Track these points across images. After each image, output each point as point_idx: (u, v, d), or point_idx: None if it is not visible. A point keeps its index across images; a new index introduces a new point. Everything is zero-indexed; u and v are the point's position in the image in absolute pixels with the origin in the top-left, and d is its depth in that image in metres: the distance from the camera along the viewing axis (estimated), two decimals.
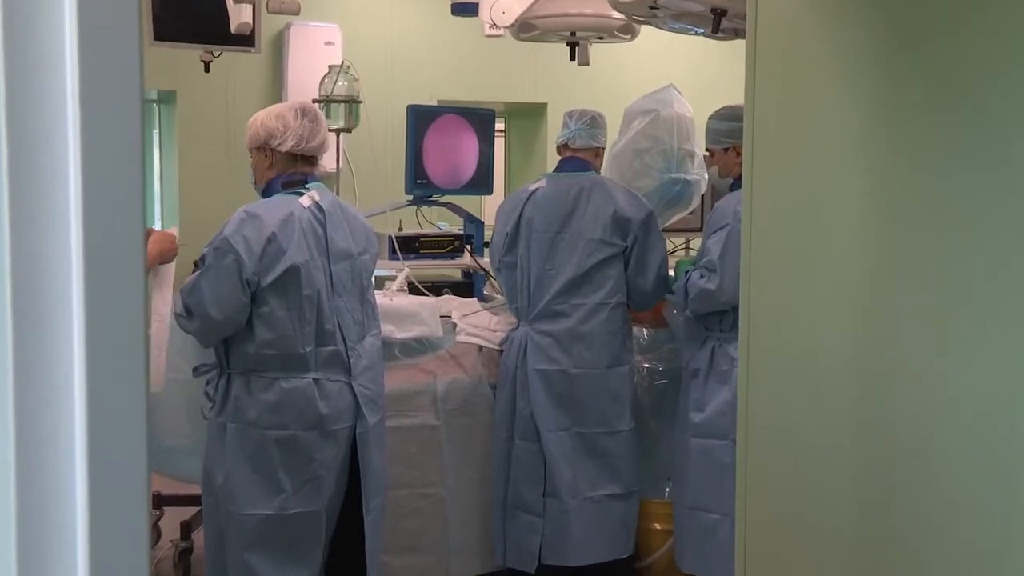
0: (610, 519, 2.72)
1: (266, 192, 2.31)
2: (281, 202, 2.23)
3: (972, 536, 1.23)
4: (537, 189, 2.77)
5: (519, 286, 2.75)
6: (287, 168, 2.29)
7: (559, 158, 2.86)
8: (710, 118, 2.75)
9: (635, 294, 2.75)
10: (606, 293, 2.71)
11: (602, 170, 2.96)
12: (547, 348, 2.69)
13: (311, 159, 2.32)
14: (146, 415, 0.52)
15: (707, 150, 2.79)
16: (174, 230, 2.44)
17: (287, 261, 2.16)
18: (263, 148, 2.29)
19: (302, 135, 2.27)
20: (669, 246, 2.99)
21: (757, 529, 1.57)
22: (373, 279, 2.51)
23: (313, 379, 2.21)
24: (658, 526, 2.89)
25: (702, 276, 2.57)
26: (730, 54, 4.22)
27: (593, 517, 2.70)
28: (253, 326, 2.18)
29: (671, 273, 2.80)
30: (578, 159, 2.81)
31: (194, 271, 2.23)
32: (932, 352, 1.28)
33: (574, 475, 2.68)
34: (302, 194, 2.26)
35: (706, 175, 3.00)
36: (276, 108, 2.33)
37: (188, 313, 2.18)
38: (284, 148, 2.27)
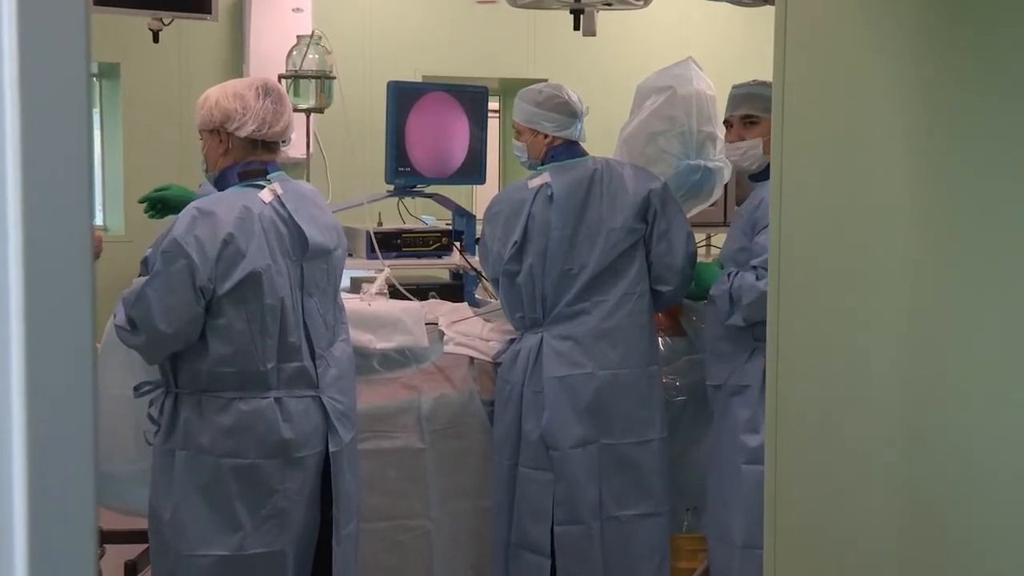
0: (638, 543, 2.72)
1: (220, 182, 2.30)
2: (238, 196, 2.21)
3: None
4: (543, 185, 2.75)
5: (528, 295, 2.73)
6: (245, 156, 2.27)
7: (549, 148, 2.78)
8: (758, 83, 2.66)
9: (665, 275, 2.74)
10: (629, 283, 2.72)
11: (613, 155, 2.97)
12: (567, 353, 2.69)
13: (272, 145, 2.31)
14: (94, 439, 0.53)
15: (747, 118, 2.66)
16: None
17: (247, 266, 2.15)
18: (217, 131, 2.26)
19: (264, 118, 2.25)
20: None
21: (788, 545, 1.58)
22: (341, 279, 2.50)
23: (275, 398, 2.21)
24: (683, 564, 2.89)
25: (759, 278, 2.50)
26: (759, 21, 4.23)
27: (619, 541, 2.70)
28: (207, 340, 2.16)
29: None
30: (573, 145, 2.81)
31: (141, 273, 2.22)
32: (988, 361, 1.29)
33: (599, 494, 2.68)
34: (262, 187, 2.25)
35: (729, 161, 3.00)
36: (234, 85, 2.30)
37: (132, 326, 2.16)
38: (243, 133, 2.24)
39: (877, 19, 1.45)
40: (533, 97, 2.81)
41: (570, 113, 2.79)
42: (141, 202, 2.63)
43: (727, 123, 2.75)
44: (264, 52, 4.54)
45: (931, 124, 1.37)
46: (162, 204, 2.61)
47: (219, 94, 2.28)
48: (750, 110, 2.67)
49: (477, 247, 3.10)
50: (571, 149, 2.81)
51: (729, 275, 2.61)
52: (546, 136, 2.79)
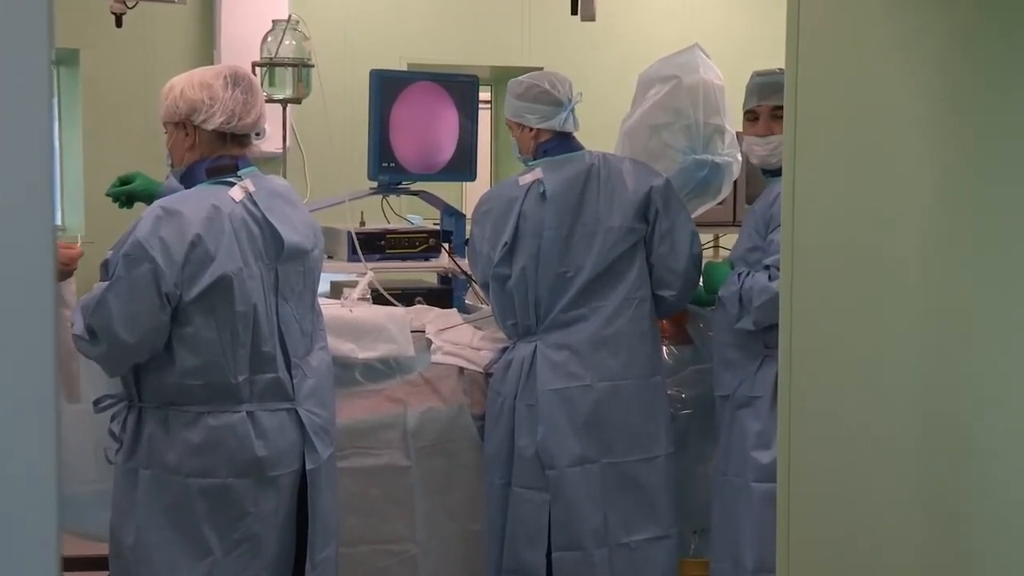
0: (647, 570, 2.72)
1: (186, 179, 2.29)
2: (206, 194, 2.21)
3: None
4: (535, 181, 2.76)
5: (521, 301, 2.74)
6: (213, 150, 2.27)
7: (538, 142, 2.78)
8: (784, 71, 2.64)
9: (668, 278, 2.75)
10: (629, 287, 2.73)
11: (614, 149, 2.97)
12: (564, 363, 2.69)
13: (243, 139, 2.31)
14: (56, 458, 0.52)
15: (778, 108, 2.63)
16: (76, 245, 2.42)
17: (217, 270, 2.14)
18: (183, 124, 2.27)
19: (233, 110, 2.25)
20: None
21: (802, 563, 1.59)
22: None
23: (247, 412, 2.21)
24: None
25: (772, 278, 2.50)
26: (769, 4, 4.25)
27: (630, 570, 2.70)
28: (173, 350, 2.16)
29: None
30: (565, 138, 2.81)
31: (101, 278, 2.21)
32: (1012, 364, 1.30)
33: (604, 518, 2.68)
34: (232, 184, 2.24)
35: (739, 155, 3.00)
36: (200, 74, 2.30)
37: (92, 336, 2.15)
38: (210, 126, 2.24)
39: (894, 6, 1.45)
40: (515, 89, 2.82)
41: (552, 102, 2.78)
42: (108, 195, 2.62)
43: (751, 113, 2.71)
44: (236, 38, 4.54)
45: (951, 118, 1.38)
46: (128, 197, 2.61)
47: (184, 84, 2.28)
48: (783, 101, 2.66)
49: (466, 249, 3.10)
50: (564, 143, 2.81)
51: (739, 275, 2.62)
52: (531, 130, 2.80)
